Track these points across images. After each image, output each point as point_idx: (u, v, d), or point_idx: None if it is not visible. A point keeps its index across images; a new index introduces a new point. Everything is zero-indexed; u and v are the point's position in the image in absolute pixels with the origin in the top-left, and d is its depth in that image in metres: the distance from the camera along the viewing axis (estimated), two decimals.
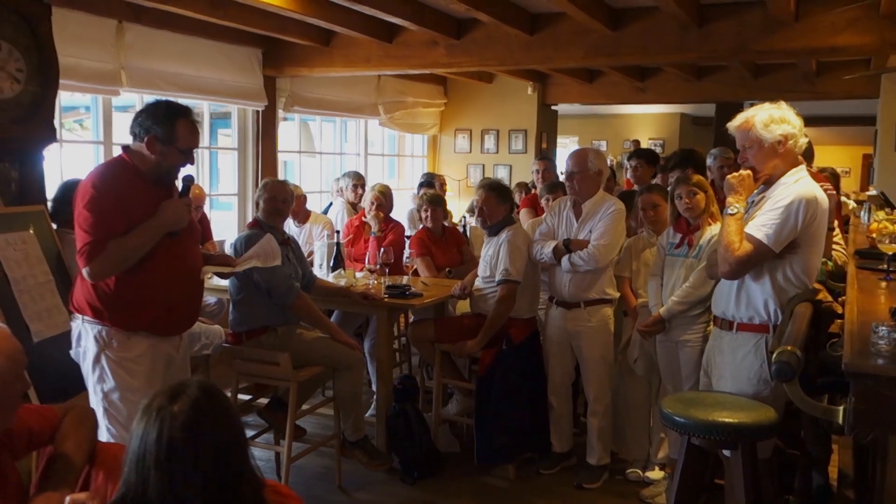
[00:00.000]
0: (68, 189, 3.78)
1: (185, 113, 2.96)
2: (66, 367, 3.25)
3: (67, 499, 1.65)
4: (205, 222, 5.03)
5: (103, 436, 2.89)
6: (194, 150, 3.03)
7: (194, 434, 1.50)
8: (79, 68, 4.96)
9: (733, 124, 3.01)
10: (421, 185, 7.12)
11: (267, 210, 4.03)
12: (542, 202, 5.24)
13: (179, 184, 3.09)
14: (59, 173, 5.17)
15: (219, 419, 1.55)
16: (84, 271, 2.83)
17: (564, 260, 4.03)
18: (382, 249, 4.84)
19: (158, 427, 1.49)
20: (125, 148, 2.99)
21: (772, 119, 2.90)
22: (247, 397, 4.44)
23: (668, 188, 4.21)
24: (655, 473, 4.14)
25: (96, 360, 2.93)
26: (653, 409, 4.14)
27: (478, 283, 4.39)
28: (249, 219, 6.70)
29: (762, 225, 2.84)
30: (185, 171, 3.08)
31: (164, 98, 3.15)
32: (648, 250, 4.14)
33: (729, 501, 3.03)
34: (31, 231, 3.33)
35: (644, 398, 4.19)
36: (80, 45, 4.97)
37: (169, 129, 2.91)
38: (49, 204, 3.80)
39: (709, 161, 5.00)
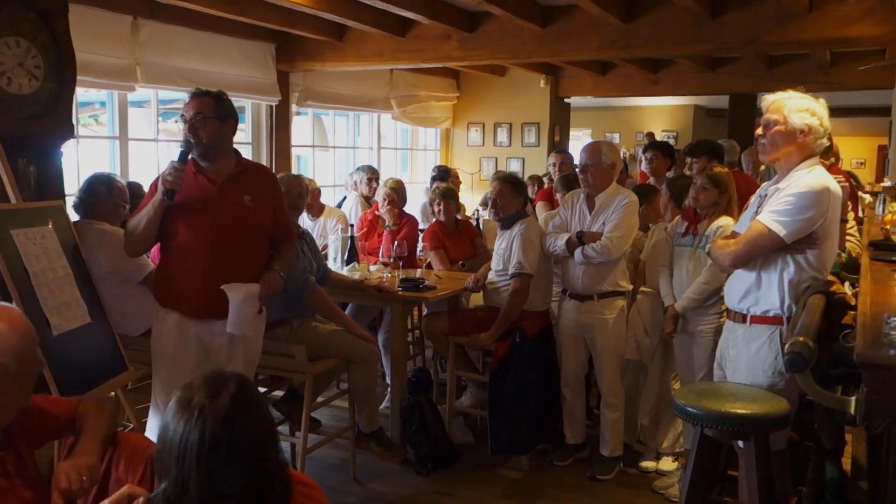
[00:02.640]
0: (94, 182, 3.92)
1: (193, 92, 3.22)
2: (85, 360, 3.30)
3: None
4: None
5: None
6: (189, 119, 3.13)
7: (235, 433, 1.50)
8: (95, 64, 5.01)
9: (769, 97, 2.96)
10: (433, 179, 7.14)
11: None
12: (557, 197, 5.25)
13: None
14: (76, 168, 5.23)
15: (256, 416, 1.56)
16: None
17: (578, 252, 4.03)
18: (396, 243, 4.86)
19: (200, 428, 1.48)
20: None
21: (806, 108, 2.88)
22: (262, 389, 4.48)
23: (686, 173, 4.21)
24: (668, 464, 4.16)
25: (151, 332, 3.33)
26: (658, 399, 4.16)
27: (491, 276, 4.41)
28: None
29: (772, 212, 2.85)
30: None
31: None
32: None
33: (742, 493, 3.03)
34: (51, 226, 3.36)
35: (657, 389, 4.20)
36: (95, 41, 5.02)
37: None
38: (75, 196, 3.94)
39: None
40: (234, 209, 3.20)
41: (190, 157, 3.19)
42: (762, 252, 2.89)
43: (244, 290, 3.18)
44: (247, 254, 3.27)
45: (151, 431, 3.25)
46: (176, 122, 3.21)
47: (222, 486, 1.49)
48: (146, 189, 3.76)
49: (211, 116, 3.15)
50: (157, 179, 3.20)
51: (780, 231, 2.81)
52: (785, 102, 2.91)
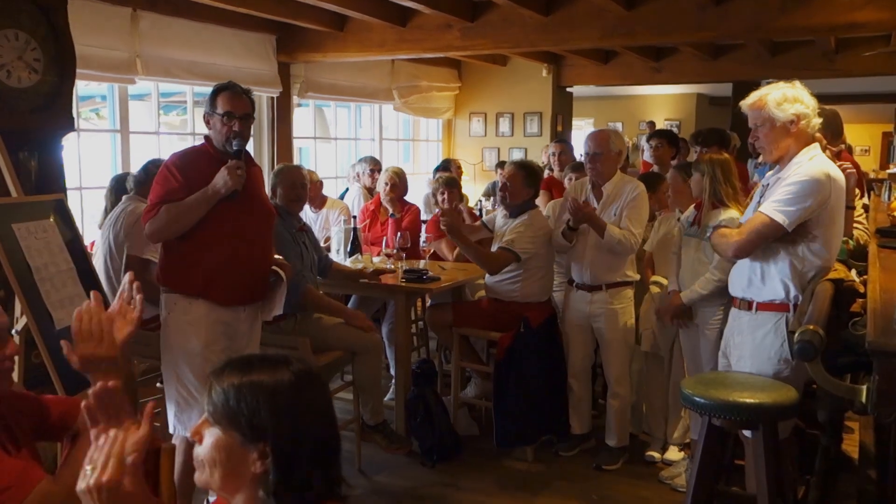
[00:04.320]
0: (150, 165, 4.03)
1: (227, 87, 3.23)
2: None
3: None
4: None
5: (171, 398, 3.23)
6: (240, 117, 3.17)
7: (330, 415, 1.52)
8: (94, 57, 4.98)
9: (746, 102, 2.99)
10: (437, 170, 7.12)
11: (288, 197, 4.04)
12: (566, 181, 5.24)
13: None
14: (78, 162, 5.21)
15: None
16: (145, 231, 3.19)
17: (606, 236, 3.94)
18: (399, 234, 4.85)
19: (329, 420, 1.50)
20: (205, 137, 3.29)
21: (785, 98, 2.87)
22: None
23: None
24: (674, 454, 4.15)
25: (164, 325, 3.23)
26: (669, 389, 4.14)
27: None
28: None
29: (774, 201, 2.84)
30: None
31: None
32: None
33: (749, 482, 3.02)
34: (52, 220, 3.35)
35: (663, 379, 4.18)
36: (95, 33, 4.99)
37: (212, 101, 3.21)
38: (132, 175, 4.13)
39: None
40: (257, 200, 3.31)
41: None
42: (765, 241, 2.88)
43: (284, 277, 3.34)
44: (266, 242, 3.37)
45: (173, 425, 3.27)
46: (221, 117, 3.16)
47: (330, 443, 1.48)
48: None
49: (253, 117, 3.27)
50: (172, 167, 3.16)
51: (784, 221, 2.80)
52: (765, 101, 2.90)
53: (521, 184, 4.23)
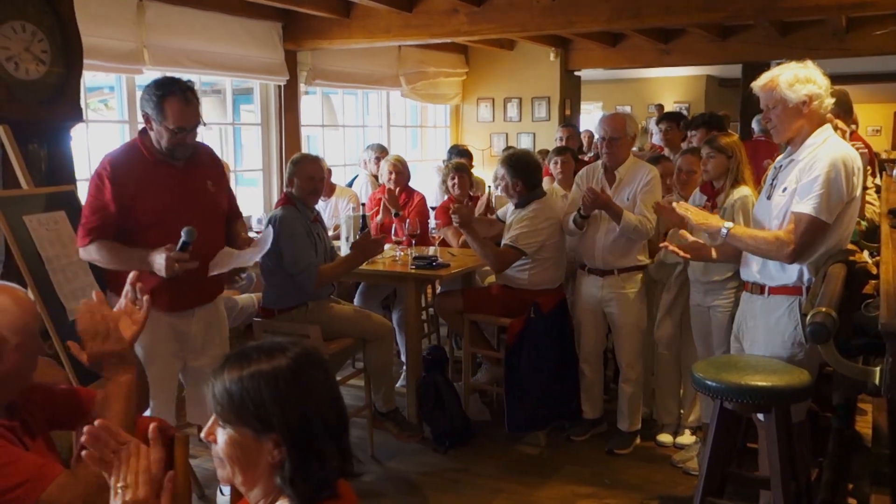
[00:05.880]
0: None
1: (173, 90, 2.87)
2: None
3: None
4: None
5: None
6: (191, 128, 2.93)
7: (334, 393, 1.52)
8: (101, 48, 4.98)
9: (758, 84, 2.95)
10: (450, 154, 7.10)
11: (305, 189, 3.98)
12: (550, 165, 5.25)
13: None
14: (87, 153, 5.22)
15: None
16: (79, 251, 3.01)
17: (623, 223, 3.91)
18: (408, 221, 4.85)
19: (334, 399, 1.49)
20: (141, 130, 3.05)
21: (797, 79, 2.83)
22: None
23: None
24: (686, 438, 4.15)
25: None
26: (683, 373, 4.13)
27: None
28: (275, 194, 6.73)
29: (807, 200, 2.76)
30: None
31: (169, 74, 3.09)
32: None
33: (762, 465, 3.02)
34: (63, 211, 3.37)
35: (675, 362, 4.17)
36: (101, 24, 4.98)
37: (158, 107, 2.88)
38: None
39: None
40: (200, 199, 3.09)
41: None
42: (816, 239, 2.80)
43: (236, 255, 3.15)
44: (213, 241, 3.12)
45: None
46: (171, 130, 2.88)
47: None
48: None
49: (200, 123, 3.00)
50: (103, 173, 2.94)
51: (821, 215, 2.75)
52: (776, 82, 2.86)
53: (508, 182, 4.23)
